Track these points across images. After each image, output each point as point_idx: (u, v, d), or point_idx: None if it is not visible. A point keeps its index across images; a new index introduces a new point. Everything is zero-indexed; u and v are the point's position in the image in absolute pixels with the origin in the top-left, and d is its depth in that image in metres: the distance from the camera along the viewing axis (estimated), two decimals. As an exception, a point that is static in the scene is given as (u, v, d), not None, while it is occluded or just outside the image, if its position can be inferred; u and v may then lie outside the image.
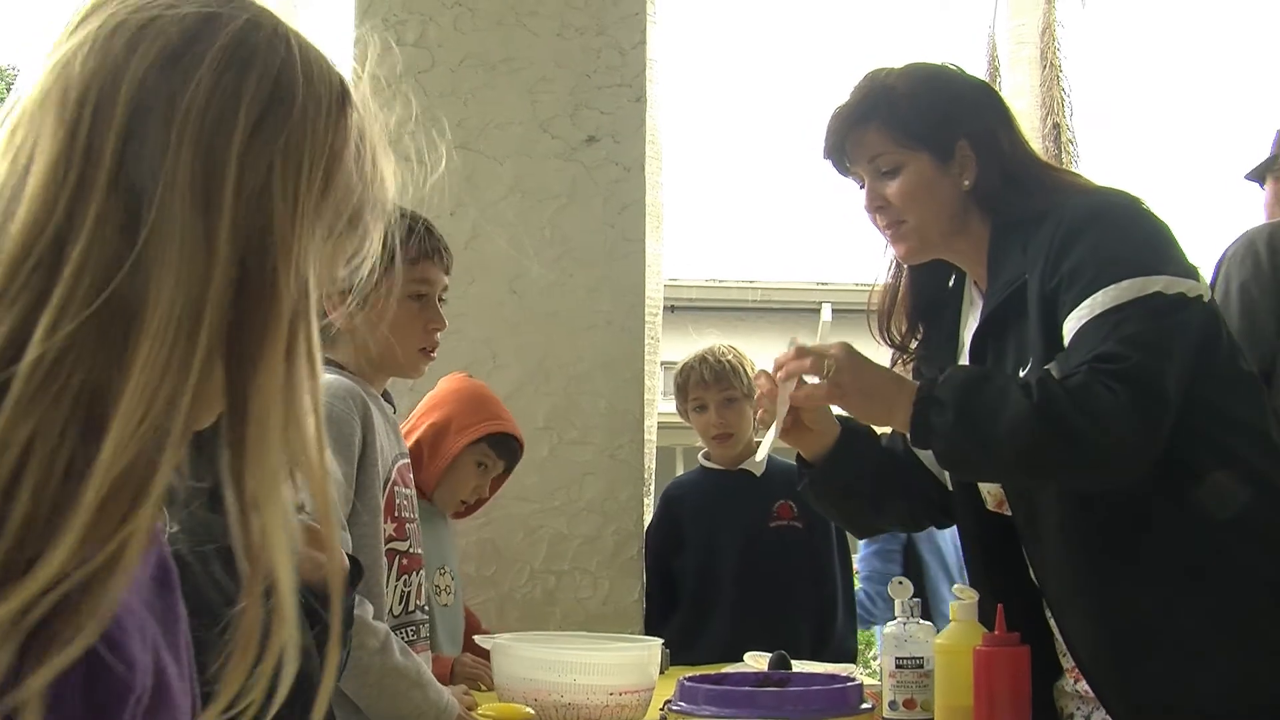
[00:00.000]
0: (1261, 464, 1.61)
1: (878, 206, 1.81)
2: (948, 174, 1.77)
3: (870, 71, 1.85)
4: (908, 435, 1.70)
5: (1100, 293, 1.57)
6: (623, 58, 2.98)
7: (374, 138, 0.89)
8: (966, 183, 1.76)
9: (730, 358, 3.00)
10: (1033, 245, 1.67)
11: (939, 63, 1.87)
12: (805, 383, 1.76)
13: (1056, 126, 13.70)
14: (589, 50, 2.98)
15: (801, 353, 1.72)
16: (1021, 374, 1.65)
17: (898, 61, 1.85)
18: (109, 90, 0.75)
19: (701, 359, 3.01)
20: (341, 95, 0.85)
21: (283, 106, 0.79)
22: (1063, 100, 13.87)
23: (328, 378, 1.84)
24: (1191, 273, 1.63)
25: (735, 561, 2.93)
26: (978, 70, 14.73)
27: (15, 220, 0.72)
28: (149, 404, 0.71)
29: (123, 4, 0.78)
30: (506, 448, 2.52)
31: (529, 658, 1.92)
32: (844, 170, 1.86)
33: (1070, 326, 1.59)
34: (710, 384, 2.96)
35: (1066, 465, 1.60)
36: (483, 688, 2.22)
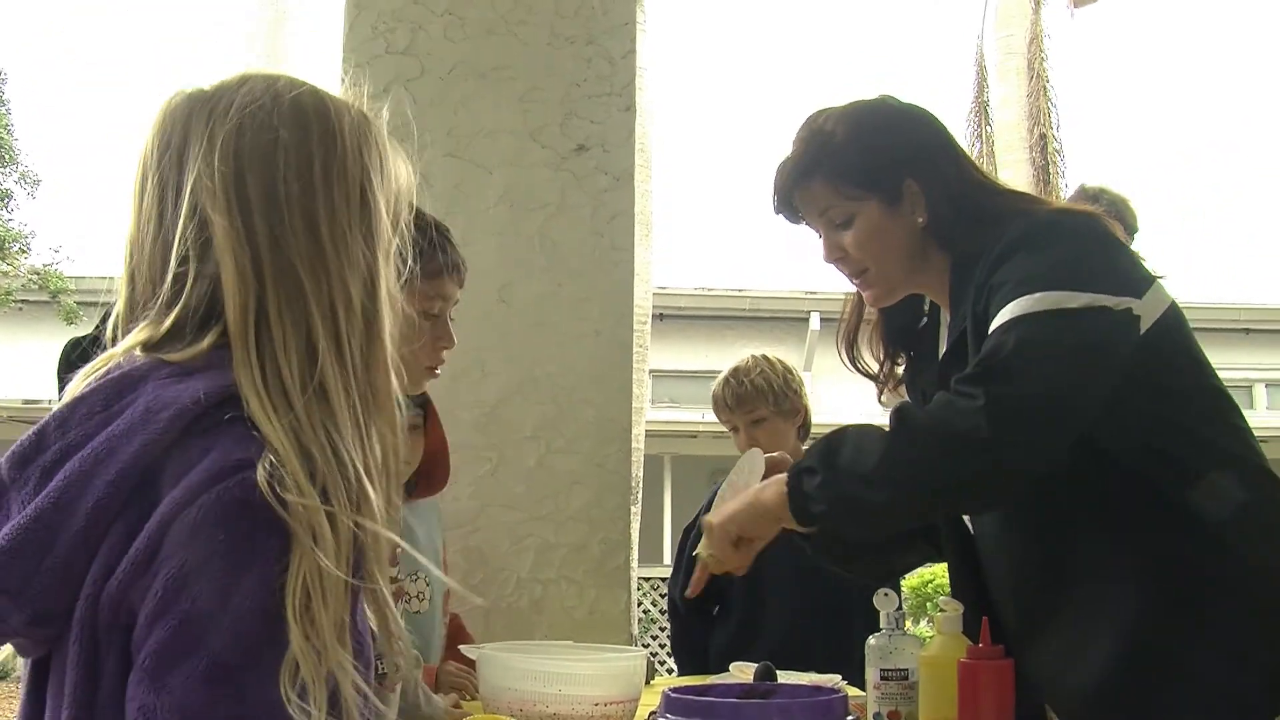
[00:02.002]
0: (1223, 481, 1.59)
1: (838, 258, 1.82)
2: (900, 214, 1.77)
3: (809, 117, 1.84)
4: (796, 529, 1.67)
5: (1012, 303, 1.55)
6: (612, 67, 2.99)
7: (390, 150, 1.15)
8: (920, 220, 1.76)
9: (754, 377, 2.94)
10: (979, 276, 1.67)
11: (877, 98, 1.86)
12: None
13: (1043, 137, 13.76)
14: (579, 59, 2.98)
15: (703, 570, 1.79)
16: None
17: (839, 100, 1.85)
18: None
19: (725, 381, 2.96)
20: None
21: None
22: (1049, 111, 13.94)
23: None
24: (1133, 288, 1.59)
25: (790, 571, 2.91)
26: (966, 81, 14.78)
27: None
28: None
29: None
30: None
31: (515, 668, 1.91)
32: (796, 221, 1.86)
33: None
34: (734, 408, 2.94)
35: (940, 479, 1.55)
36: (467, 697, 2.22)
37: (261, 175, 1.06)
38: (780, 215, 1.87)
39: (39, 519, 0.94)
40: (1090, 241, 1.65)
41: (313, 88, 1.12)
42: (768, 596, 2.93)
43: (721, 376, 3.01)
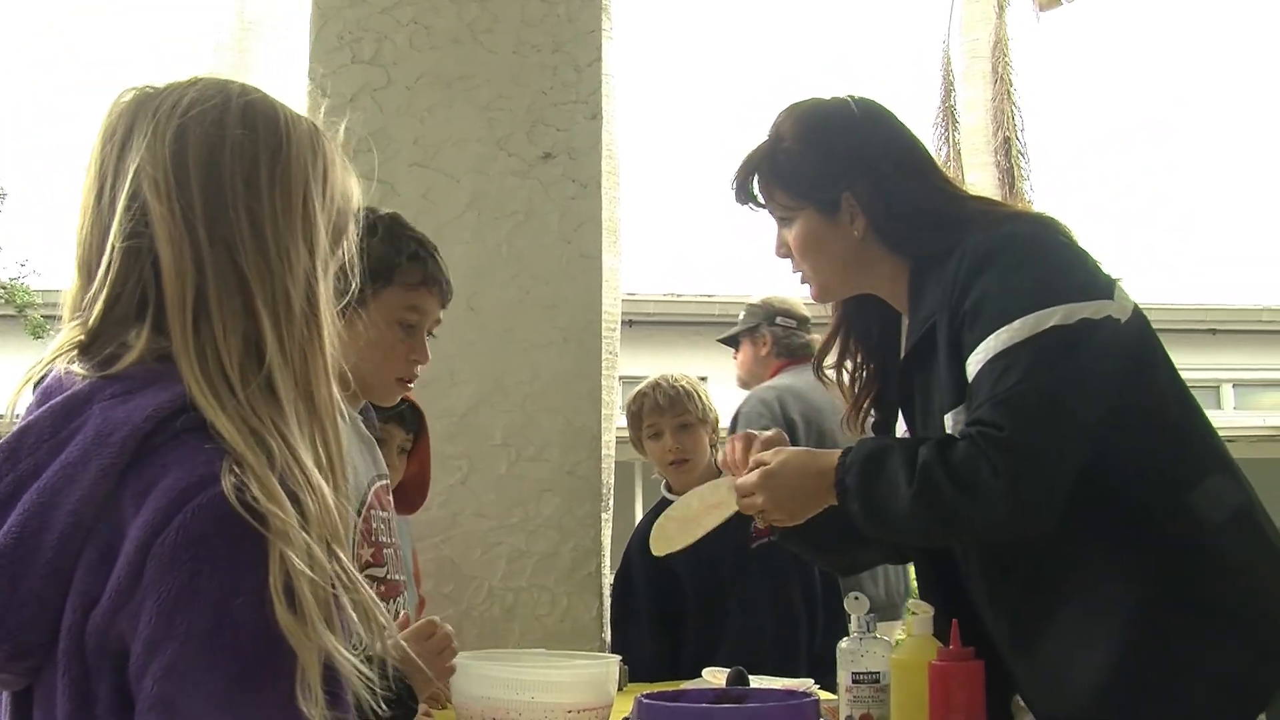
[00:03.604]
0: (1219, 483, 1.61)
1: (784, 254, 1.86)
2: (838, 224, 1.79)
3: (782, 110, 1.86)
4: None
5: (992, 336, 1.57)
6: (579, 75, 2.99)
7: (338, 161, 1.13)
8: (857, 232, 1.78)
9: (683, 384, 3.02)
10: (943, 282, 1.68)
11: (835, 100, 1.85)
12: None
13: (1007, 140, 13.84)
14: (545, 68, 2.98)
15: (744, 489, 1.77)
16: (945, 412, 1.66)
17: (807, 94, 1.87)
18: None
19: (655, 385, 3.02)
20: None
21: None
22: (1013, 114, 14.02)
23: None
24: (1102, 291, 1.61)
25: (736, 586, 2.91)
26: (932, 85, 14.81)
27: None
28: None
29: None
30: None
31: (487, 676, 1.91)
32: (759, 209, 1.88)
33: (970, 371, 1.60)
34: (665, 409, 2.97)
35: (960, 539, 1.70)
36: (439, 705, 2.21)
37: (206, 169, 1.05)
38: (744, 205, 1.89)
39: (3, 555, 0.94)
40: (1051, 252, 1.66)
41: (264, 94, 1.12)
42: (723, 616, 2.93)
43: (646, 384, 3.04)
